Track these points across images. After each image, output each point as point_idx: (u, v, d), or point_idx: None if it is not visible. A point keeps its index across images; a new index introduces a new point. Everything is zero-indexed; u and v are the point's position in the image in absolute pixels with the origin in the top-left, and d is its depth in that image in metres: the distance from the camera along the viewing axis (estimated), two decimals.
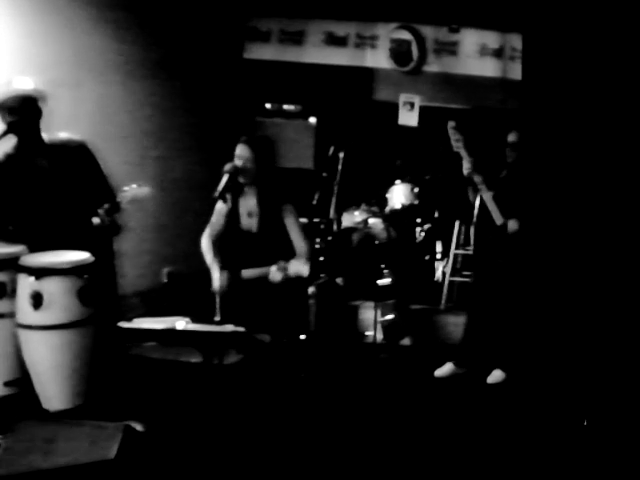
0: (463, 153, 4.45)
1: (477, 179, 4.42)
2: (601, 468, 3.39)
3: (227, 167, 4.04)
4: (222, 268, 4.13)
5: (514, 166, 4.51)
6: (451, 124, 4.52)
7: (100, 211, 3.89)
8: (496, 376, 4.46)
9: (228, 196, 4.04)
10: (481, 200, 4.46)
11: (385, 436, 3.78)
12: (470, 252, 5.19)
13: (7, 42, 4.61)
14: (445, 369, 4.54)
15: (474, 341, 4.54)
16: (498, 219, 4.41)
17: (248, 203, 4.21)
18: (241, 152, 4.13)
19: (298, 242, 4.19)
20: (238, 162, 4.10)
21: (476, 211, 4.51)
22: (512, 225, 4.39)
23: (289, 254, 4.19)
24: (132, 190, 4.00)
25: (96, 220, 3.90)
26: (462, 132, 4.49)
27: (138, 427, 3.51)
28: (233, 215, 4.13)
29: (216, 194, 3.94)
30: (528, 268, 4.45)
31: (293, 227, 4.19)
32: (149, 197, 4.09)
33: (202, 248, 4.30)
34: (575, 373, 4.36)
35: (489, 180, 4.45)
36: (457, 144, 4.47)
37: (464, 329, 4.64)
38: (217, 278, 4.10)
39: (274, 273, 4.02)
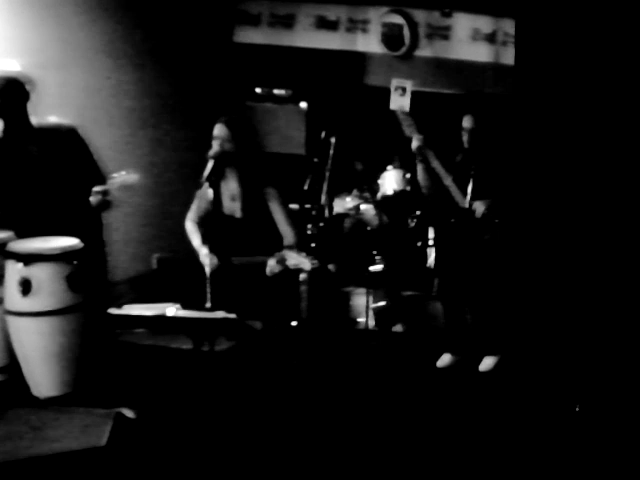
0: (414, 134, 4.41)
1: (429, 155, 4.38)
2: (594, 455, 3.40)
3: (212, 152, 4.02)
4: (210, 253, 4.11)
5: (471, 150, 4.45)
6: (402, 109, 4.50)
7: (95, 190, 3.85)
8: (487, 363, 4.45)
9: (213, 180, 4.02)
10: (435, 178, 4.42)
11: (378, 423, 3.77)
12: None
13: None
14: (445, 359, 4.53)
15: (456, 328, 4.53)
16: (462, 202, 4.39)
17: (230, 186, 4.18)
18: (218, 132, 4.10)
19: (284, 228, 4.16)
20: (215, 142, 4.07)
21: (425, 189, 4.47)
22: (478, 207, 4.36)
23: (276, 239, 4.16)
24: (121, 177, 3.97)
25: (93, 199, 3.86)
26: (413, 117, 4.47)
27: (129, 414, 3.51)
28: (216, 199, 4.10)
29: (202, 180, 3.91)
30: (500, 250, 4.40)
31: (277, 212, 4.15)
32: (138, 184, 4.06)
33: (187, 231, 4.28)
34: (564, 354, 4.36)
35: (447, 164, 4.41)
36: (409, 129, 4.44)
37: (445, 316, 4.63)
38: (206, 255, 4.07)
39: (272, 266, 3.98)
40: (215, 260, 4.01)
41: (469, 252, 4.41)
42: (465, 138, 4.45)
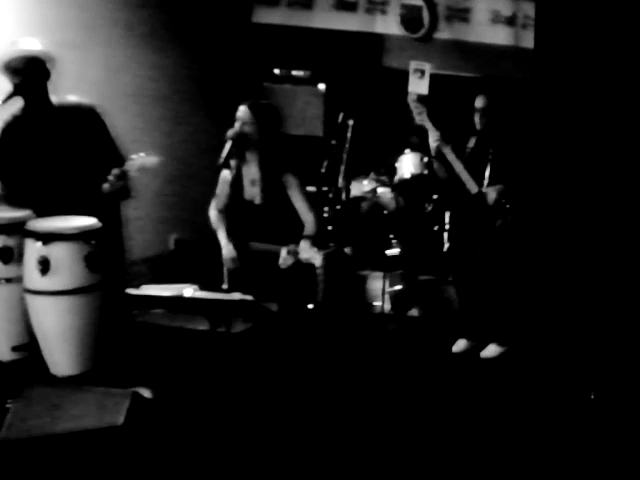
0: (428, 125, 4.39)
1: (446, 150, 4.36)
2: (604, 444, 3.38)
3: (230, 133, 4.01)
4: (229, 238, 4.11)
5: (484, 132, 4.42)
6: (412, 96, 4.46)
7: (110, 177, 3.84)
8: (491, 350, 4.42)
9: (232, 163, 4.01)
10: (451, 171, 4.39)
11: (392, 406, 3.78)
12: None
13: (10, 2, 4.53)
14: (460, 345, 4.52)
15: (470, 313, 4.51)
16: (473, 188, 4.35)
17: (250, 170, 4.17)
18: (241, 115, 4.10)
19: (305, 214, 4.15)
20: (237, 124, 4.06)
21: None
22: (490, 193, 4.32)
23: (295, 225, 4.15)
24: (140, 158, 3.95)
25: (106, 186, 3.85)
26: (425, 104, 4.42)
27: (146, 394, 3.52)
28: (237, 183, 4.09)
29: (220, 162, 3.91)
30: (512, 235, 4.38)
31: (298, 198, 4.14)
32: (157, 166, 4.05)
33: (211, 221, 4.27)
34: (578, 343, 4.33)
35: (458, 150, 4.39)
36: (420, 117, 4.41)
37: (458, 301, 4.61)
38: (227, 250, 4.09)
39: (284, 258, 3.99)
40: (235, 257, 4.03)
41: (481, 238, 4.38)
42: (477, 119, 4.41)
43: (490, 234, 4.36)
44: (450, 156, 4.36)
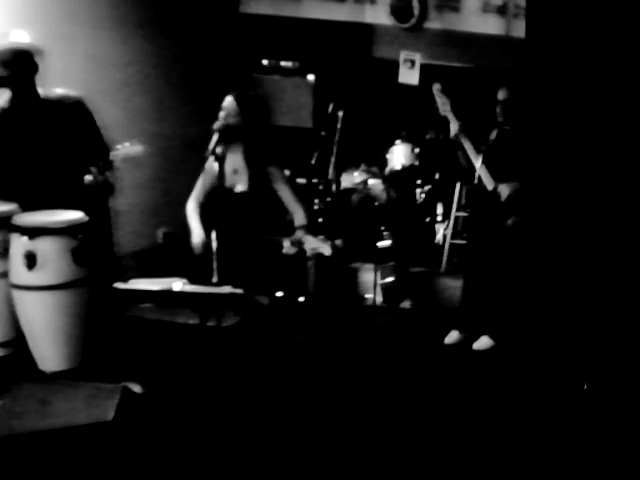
0: (450, 116, 4.39)
1: (465, 142, 4.34)
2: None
3: (217, 125, 3.99)
4: (213, 228, 4.08)
5: (504, 125, 4.40)
6: (437, 87, 4.45)
7: (93, 169, 3.80)
8: (483, 342, 4.41)
9: (218, 152, 3.99)
10: (470, 162, 4.37)
11: (385, 398, 3.76)
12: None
13: None
14: (453, 336, 4.50)
15: (472, 306, 4.49)
16: (489, 184, 4.33)
17: (235, 160, 4.17)
18: (226, 105, 4.11)
19: (293, 207, 4.14)
20: (221, 114, 4.05)
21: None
22: (503, 190, 4.30)
23: (277, 215, 4.13)
24: (125, 148, 3.92)
25: (88, 178, 3.81)
26: (448, 95, 4.41)
27: (136, 388, 3.50)
28: (220, 172, 4.08)
29: (207, 153, 3.88)
30: (524, 234, 4.36)
31: (284, 192, 4.14)
32: (142, 155, 4.01)
33: (187, 212, 4.26)
34: (568, 345, 4.32)
35: (479, 143, 4.37)
36: (443, 107, 4.40)
37: (461, 294, 4.60)
38: (197, 234, 4.07)
39: (287, 247, 3.97)
40: (203, 246, 4.03)
41: (493, 234, 4.35)
42: (498, 111, 4.39)
43: (502, 232, 4.33)
44: (469, 149, 4.35)
